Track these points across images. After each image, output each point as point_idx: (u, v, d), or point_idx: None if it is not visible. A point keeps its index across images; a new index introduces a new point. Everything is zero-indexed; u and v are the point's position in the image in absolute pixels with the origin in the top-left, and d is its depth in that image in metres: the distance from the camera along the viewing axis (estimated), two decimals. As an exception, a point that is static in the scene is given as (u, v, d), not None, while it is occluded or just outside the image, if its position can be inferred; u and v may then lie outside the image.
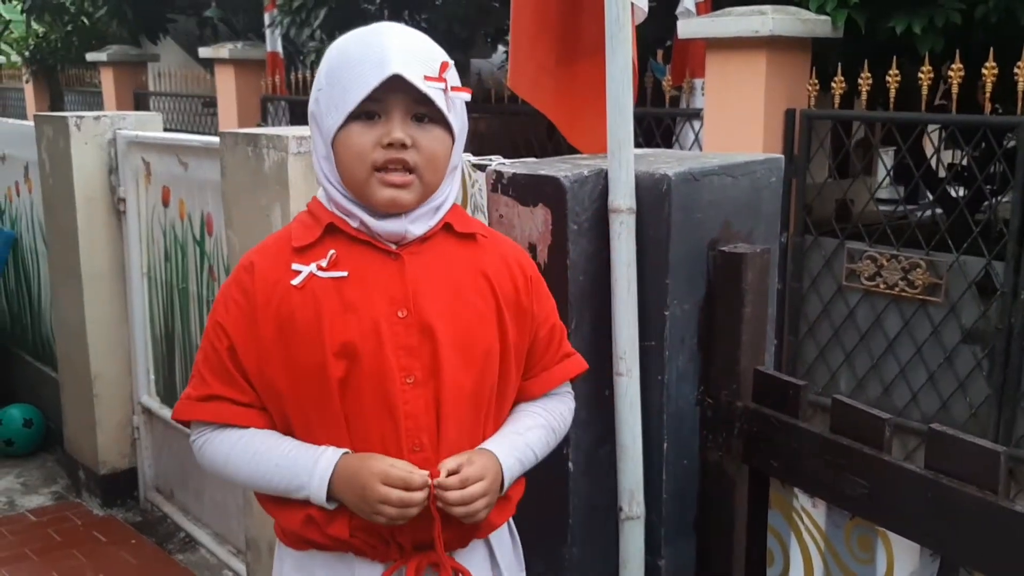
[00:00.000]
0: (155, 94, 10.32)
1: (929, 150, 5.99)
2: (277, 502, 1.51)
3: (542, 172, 1.79)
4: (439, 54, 1.44)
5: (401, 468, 1.40)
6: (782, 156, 1.99)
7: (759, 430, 1.77)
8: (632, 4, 1.76)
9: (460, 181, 1.57)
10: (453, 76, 1.44)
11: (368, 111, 1.41)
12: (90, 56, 10.88)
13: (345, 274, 1.44)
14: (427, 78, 1.39)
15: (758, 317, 1.82)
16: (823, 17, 4.86)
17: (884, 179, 5.06)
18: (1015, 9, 4.43)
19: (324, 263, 1.44)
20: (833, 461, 1.61)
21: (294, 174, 2.58)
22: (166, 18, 10.85)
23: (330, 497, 1.43)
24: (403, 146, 1.40)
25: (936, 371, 4.60)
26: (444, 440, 1.46)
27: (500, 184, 1.86)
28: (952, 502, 1.43)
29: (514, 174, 1.83)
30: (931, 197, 5.33)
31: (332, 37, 7.21)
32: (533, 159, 1.98)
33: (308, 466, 1.44)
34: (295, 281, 1.44)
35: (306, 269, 1.44)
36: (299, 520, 1.48)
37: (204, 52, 8.96)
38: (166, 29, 11.00)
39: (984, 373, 4.45)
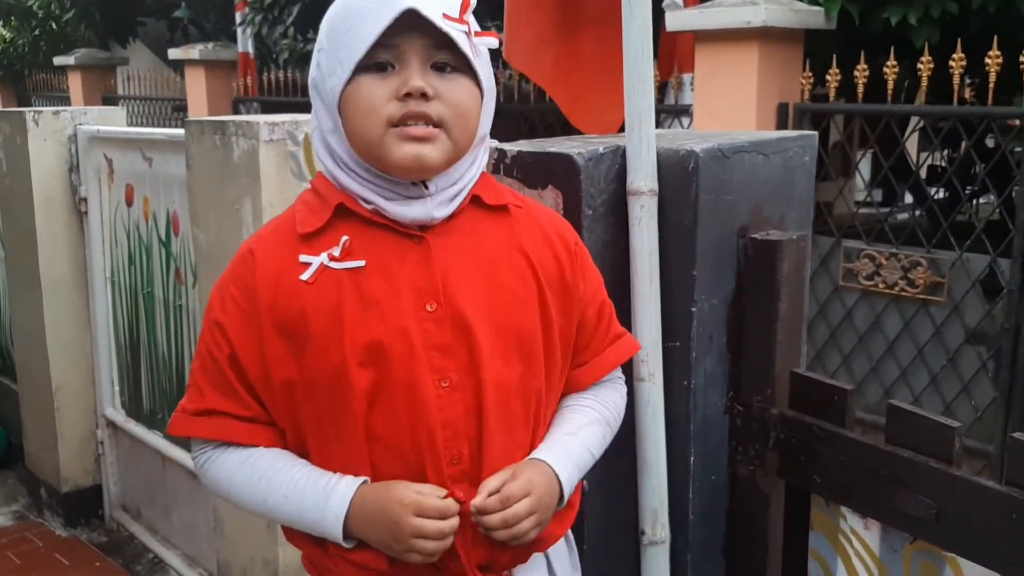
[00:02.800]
0: (124, 97, 10.09)
1: (910, 149, 5.85)
2: (303, 535, 1.31)
3: (552, 150, 1.58)
4: None
5: (432, 495, 1.20)
6: (815, 133, 1.79)
7: (798, 441, 1.56)
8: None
9: (486, 159, 1.34)
10: (473, 21, 1.22)
11: (379, 62, 1.18)
12: (57, 60, 10.67)
13: (362, 263, 1.23)
14: (447, 17, 1.16)
15: (794, 313, 1.61)
16: (816, 8, 4.71)
17: (880, 177, 4.92)
18: (1015, -2, 4.29)
19: (337, 251, 1.23)
20: (891, 476, 1.40)
21: (266, 164, 2.35)
22: (135, 21, 10.63)
23: (349, 535, 1.23)
24: (424, 96, 1.17)
25: (939, 373, 4.47)
26: (488, 447, 1.25)
27: (503, 164, 1.63)
28: (1043, 524, 1.22)
29: (519, 152, 1.61)
30: (913, 198, 5.19)
31: (305, 35, 7.05)
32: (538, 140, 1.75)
33: (319, 500, 1.23)
34: (304, 276, 1.22)
35: (316, 260, 1.23)
36: (330, 557, 1.28)
37: (174, 53, 8.78)
38: (135, 32, 10.79)
39: (990, 375, 4.31)
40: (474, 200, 1.30)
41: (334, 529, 1.22)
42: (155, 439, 3.64)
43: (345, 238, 1.23)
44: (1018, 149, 4.18)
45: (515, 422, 1.28)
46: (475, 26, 1.22)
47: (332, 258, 1.23)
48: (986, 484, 1.29)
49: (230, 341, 1.26)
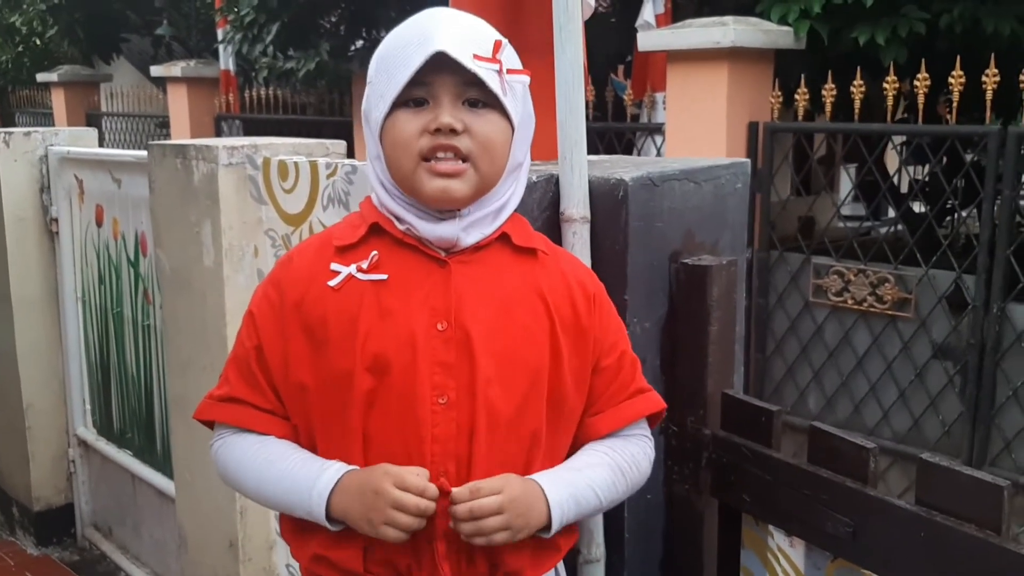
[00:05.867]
0: (107, 114, 10.12)
1: (890, 165, 5.91)
2: (294, 532, 1.38)
3: (486, 178, 1.62)
4: (492, 33, 1.29)
5: (417, 476, 1.25)
6: (748, 160, 1.83)
7: (729, 460, 1.60)
8: (581, -4, 1.60)
9: (524, 185, 1.40)
10: (510, 57, 1.30)
11: (415, 98, 1.27)
12: (41, 77, 10.70)
13: (384, 277, 1.31)
14: (477, 57, 1.24)
15: (725, 336, 1.66)
16: (785, 28, 4.77)
17: (849, 194, 4.97)
18: (981, 18, 4.35)
19: (365, 264, 1.32)
20: (812, 496, 1.44)
21: (225, 187, 2.39)
22: (119, 38, 10.67)
23: (333, 517, 1.28)
24: (453, 131, 1.26)
25: (907, 388, 4.53)
26: (474, 470, 1.29)
27: (440, 192, 1.67)
28: (948, 543, 1.26)
29: (455, 180, 1.65)
30: (894, 213, 5.24)
31: (285, 53, 7.10)
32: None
33: (310, 479, 1.30)
34: (332, 282, 1.32)
35: (345, 270, 1.32)
36: (308, 556, 1.35)
37: (156, 70, 8.83)
38: (119, 49, 10.82)
39: (956, 390, 4.37)
40: (503, 239, 1.36)
41: (318, 506, 1.28)
42: (125, 458, 3.65)
43: (374, 253, 1.32)
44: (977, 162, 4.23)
45: (505, 450, 1.31)
46: (512, 63, 1.30)
47: (360, 269, 1.32)
48: (898, 504, 1.33)
49: (258, 334, 1.36)
